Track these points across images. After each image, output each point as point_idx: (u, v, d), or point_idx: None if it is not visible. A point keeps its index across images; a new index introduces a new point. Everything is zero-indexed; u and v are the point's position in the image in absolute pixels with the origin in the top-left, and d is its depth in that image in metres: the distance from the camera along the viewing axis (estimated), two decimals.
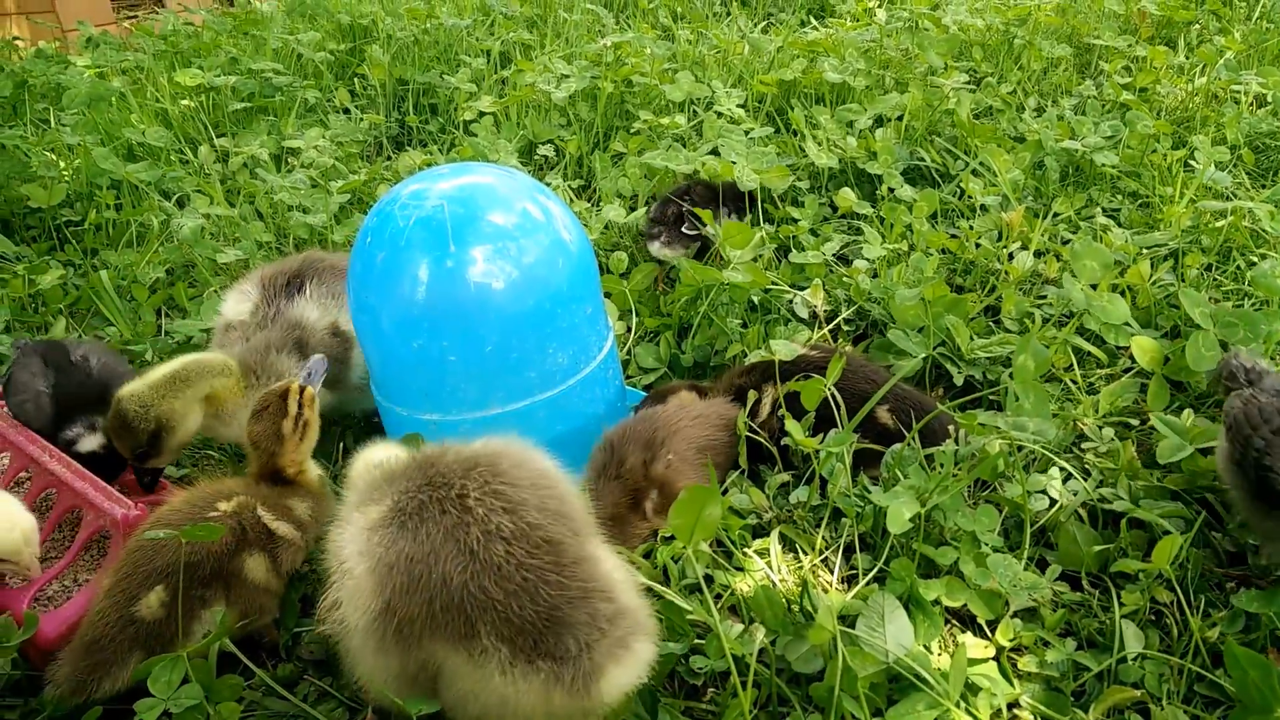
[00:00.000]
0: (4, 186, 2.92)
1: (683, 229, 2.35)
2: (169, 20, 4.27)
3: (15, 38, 5.09)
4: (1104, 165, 2.44)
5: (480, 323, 1.56)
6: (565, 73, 3.39)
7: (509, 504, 1.10)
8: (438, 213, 1.58)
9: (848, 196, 2.55)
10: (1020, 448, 1.56)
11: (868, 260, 2.20)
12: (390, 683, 1.12)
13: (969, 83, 3.21)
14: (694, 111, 3.20)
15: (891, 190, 2.53)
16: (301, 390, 1.49)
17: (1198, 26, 3.65)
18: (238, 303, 1.81)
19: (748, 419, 1.67)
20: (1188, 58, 3.28)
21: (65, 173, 2.97)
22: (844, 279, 2.24)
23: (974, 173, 2.58)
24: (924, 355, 1.87)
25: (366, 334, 1.66)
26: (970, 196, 2.45)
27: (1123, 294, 2.01)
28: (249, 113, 3.35)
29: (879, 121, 3.01)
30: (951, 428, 1.56)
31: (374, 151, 3.46)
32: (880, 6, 4.34)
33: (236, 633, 1.34)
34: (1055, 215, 2.37)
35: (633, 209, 2.61)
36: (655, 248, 2.37)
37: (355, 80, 3.84)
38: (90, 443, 1.66)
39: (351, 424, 2.02)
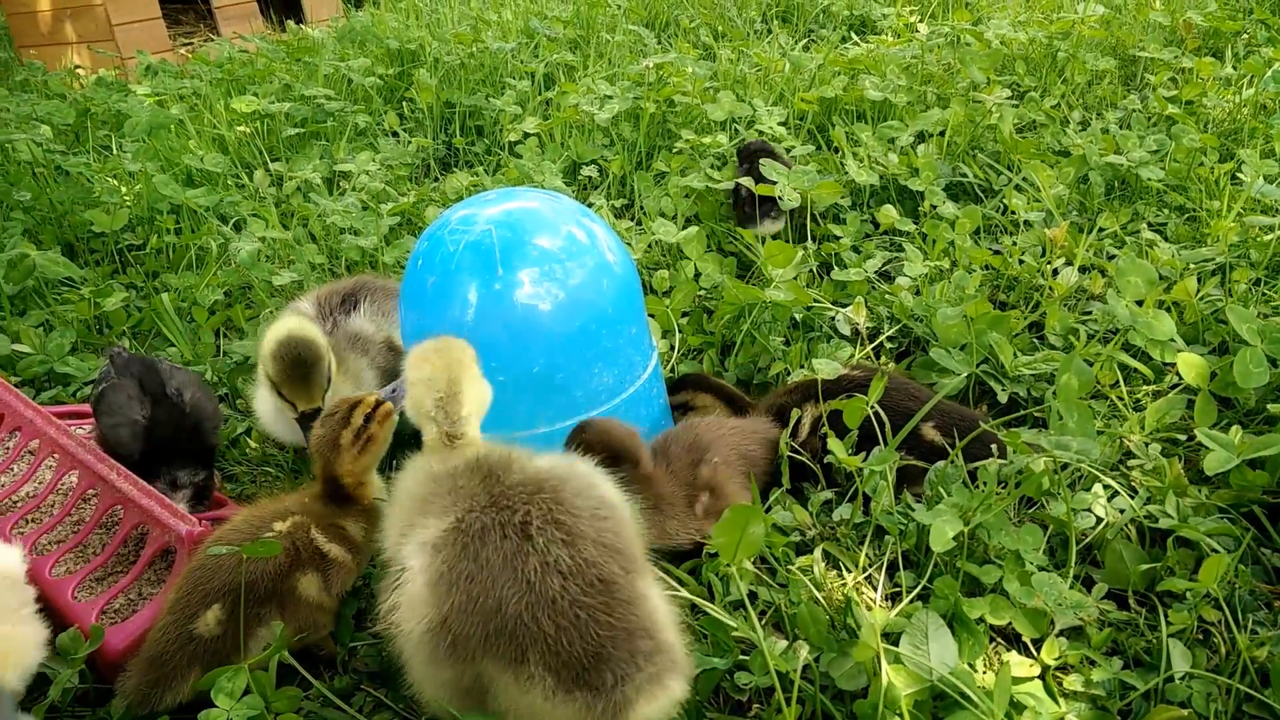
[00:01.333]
0: (69, 212, 3.04)
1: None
2: (224, 48, 4.40)
3: (77, 66, 5.28)
4: (1150, 180, 2.43)
5: (528, 344, 1.61)
6: (608, 93, 3.44)
7: (568, 536, 1.15)
8: (486, 237, 1.63)
9: (890, 213, 2.56)
10: (1065, 465, 1.57)
11: (910, 278, 2.21)
12: (442, 690, 1.17)
13: (1011, 97, 3.20)
14: (736, 130, 3.23)
15: (934, 207, 2.54)
16: (377, 405, 1.50)
17: (1245, 37, 3.61)
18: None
19: (789, 439, 1.69)
20: (1235, 69, 3.25)
21: (127, 198, 3.07)
22: (886, 296, 2.25)
23: (1017, 188, 2.57)
24: (967, 373, 1.87)
25: None
26: (1013, 212, 2.45)
27: (1169, 310, 1.99)
28: (302, 138, 3.45)
29: (921, 137, 3.01)
30: (994, 446, 1.57)
31: (422, 173, 3.54)
32: (922, 21, 4.35)
33: (293, 646, 1.38)
34: (1100, 231, 2.36)
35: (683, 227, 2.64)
36: (768, 226, 2.54)
37: (403, 104, 3.93)
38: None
39: (404, 441, 2.07)
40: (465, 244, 1.64)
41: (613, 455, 1.50)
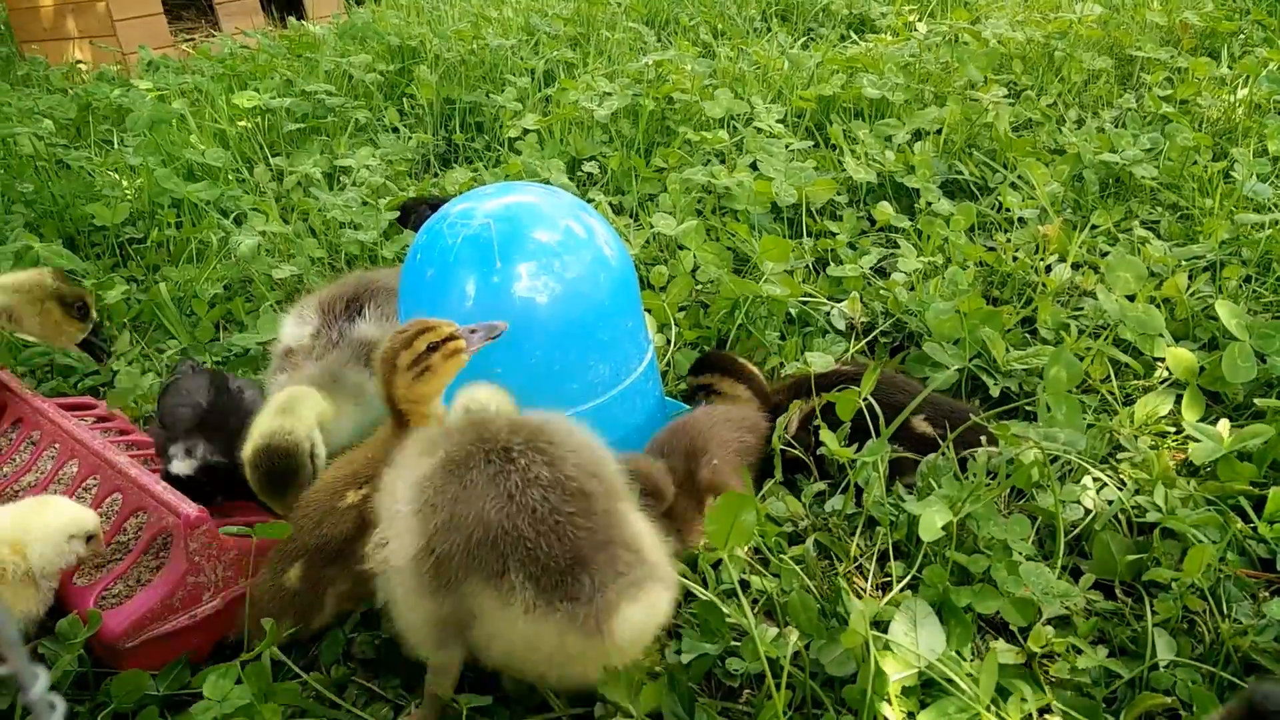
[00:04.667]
0: (70, 205, 3.06)
1: None
2: (225, 43, 4.42)
3: (78, 62, 5.30)
4: (1143, 178, 2.45)
5: (525, 336, 1.62)
6: (607, 90, 3.46)
7: (549, 459, 1.19)
8: (484, 231, 1.65)
9: (886, 210, 2.58)
10: (1056, 458, 1.59)
11: (904, 273, 2.23)
12: (425, 626, 1.20)
13: (1008, 96, 3.22)
14: (734, 127, 3.25)
15: (929, 204, 2.56)
16: (449, 338, 1.43)
17: (1241, 37, 3.63)
18: (296, 327, 1.88)
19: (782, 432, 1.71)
20: (1231, 68, 3.26)
21: (128, 192, 3.09)
22: (881, 291, 2.27)
23: (1012, 186, 2.59)
24: (959, 367, 1.89)
25: None
26: (1008, 209, 2.47)
27: (1160, 306, 2.01)
28: (303, 133, 3.46)
29: (918, 135, 3.03)
30: (984, 438, 1.59)
31: (422, 169, 3.55)
32: (920, 20, 4.36)
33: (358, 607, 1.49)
34: (1093, 228, 2.38)
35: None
36: None
37: (404, 100, 3.95)
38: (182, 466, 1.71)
39: None
40: (464, 237, 1.66)
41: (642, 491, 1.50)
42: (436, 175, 3.51)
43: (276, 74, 3.94)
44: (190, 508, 1.48)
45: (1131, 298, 1.90)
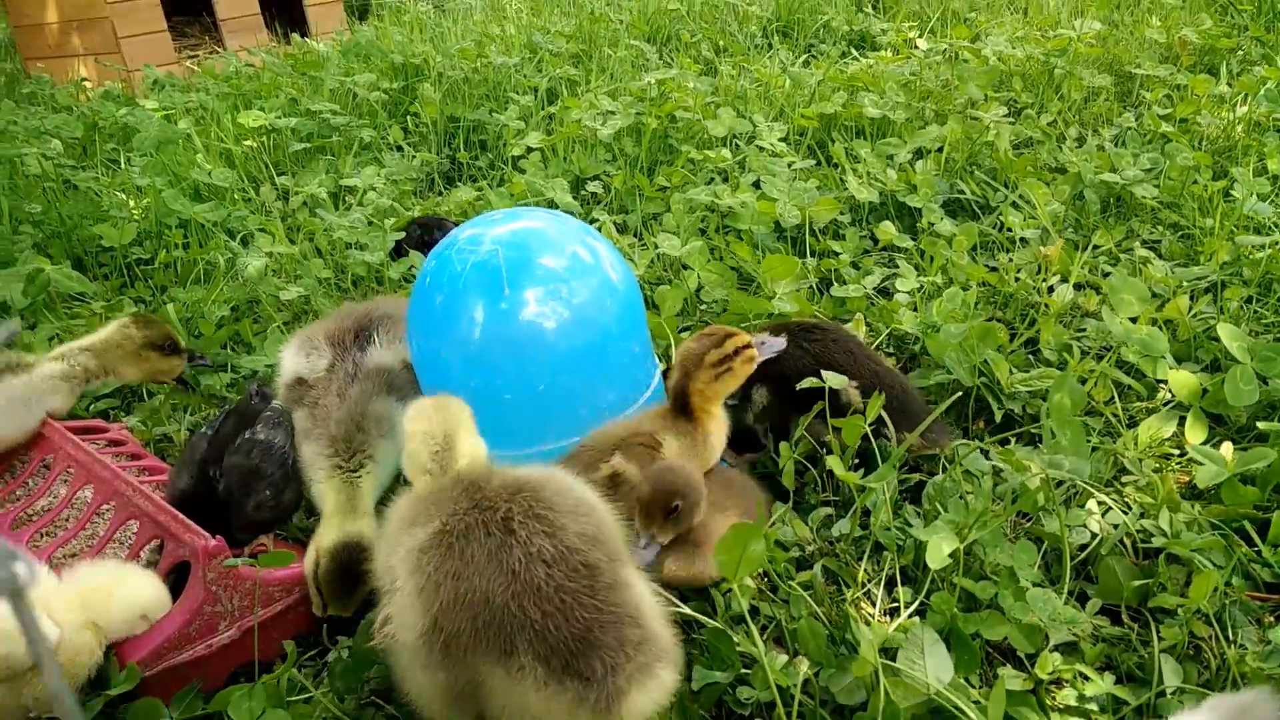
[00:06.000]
0: (78, 226, 3.08)
1: None
2: (230, 62, 4.44)
3: (83, 79, 5.33)
4: (1144, 197, 2.46)
5: (534, 362, 1.64)
6: (610, 109, 3.48)
7: (550, 528, 1.18)
8: (492, 258, 1.67)
9: (888, 230, 2.60)
10: (1060, 483, 1.60)
11: (905, 293, 2.25)
12: (439, 698, 1.20)
13: (1008, 114, 3.24)
14: (736, 145, 3.27)
15: (931, 225, 2.57)
16: (746, 346, 1.64)
17: (1240, 53, 3.65)
18: (309, 359, 1.88)
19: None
20: (1230, 84, 3.29)
21: (135, 212, 3.11)
22: (885, 310, 2.29)
23: (1014, 205, 2.61)
24: (963, 390, 1.91)
25: (426, 373, 1.75)
26: (1010, 229, 2.48)
27: (1162, 328, 2.03)
28: (308, 152, 3.48)
29: (919, 154, 3.05)
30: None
31: (426, 187, 3.58)
32: (921, 37, 4.39)
33: None
34: (1095, 248, 2.40)
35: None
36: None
37: (408, 118, 3.97)
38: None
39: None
40: (472, 264, 1.68)
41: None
42: (441, 194, 3.53)
43: (281, 93, 3.96)
44: (207, 538, 1.50)
45: (1135, 319, 1.91)
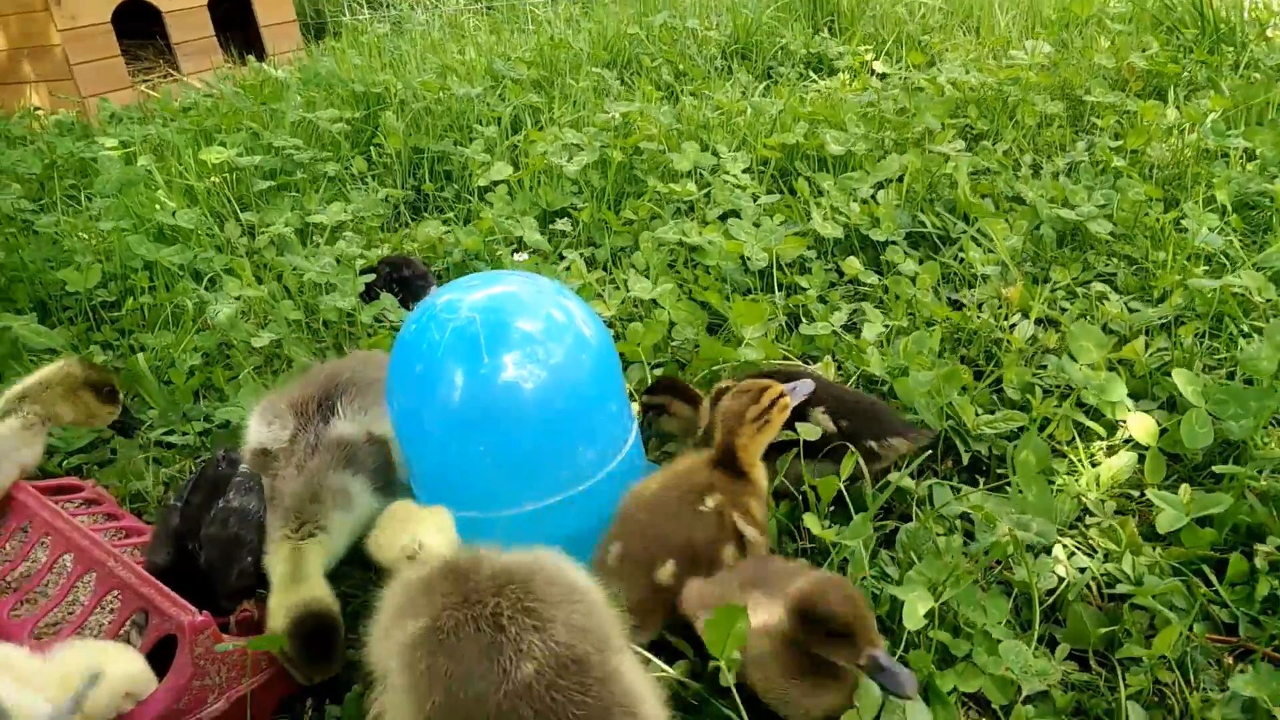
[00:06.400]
0: (41, 271, 3.04)
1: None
2: (187, 92, 4.40)
3: (36, 108, 5.25)
4: (1098, 233, 2.55)
5: (513, 425, 1.67)
6: (574, 141, 3.51)
7: (540, 622, 1.20)
8: (470, 325, 1.69)
9: (854, 265, 2.66)
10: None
11: (871, 338, 2.31)
12: None
13: (965, 144, 3.32)
14: (701, 174, 3.31)
15: (895, 266, 2.63)
16: (780, 396, 1.71)
17: (1186, 75, 3.77)
18: (271, 429, 1.89)
19: None
20: (1179, 109, 3.39)
21: (98, 256, 3.09)
22: (854, 350, 2.34)
23: (973, 239, 2.68)
24: (936, 433, 1.97)
25: (407, 438, 1.77)
26: (971, 265, 2.55)
27: (1118, 368, 2.10)
28: (272, 189, 3.47)
29: (880, 184, 3.12)
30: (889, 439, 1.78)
31: (393, 219, 3.58)
32: (876, 60, 4.47)
33: None
34: (1053, 282, 2.47)
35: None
36: None
37: (371, 149, 3.97)
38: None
39: None
40: (451, 330, 1.70)
41: None
42: (408, 226, 3.54)
43: (243, 126, 3.94)
44: (194, 613, 1.50)
45: (1093, 365, 1.98)
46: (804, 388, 1.81)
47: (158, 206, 3.25)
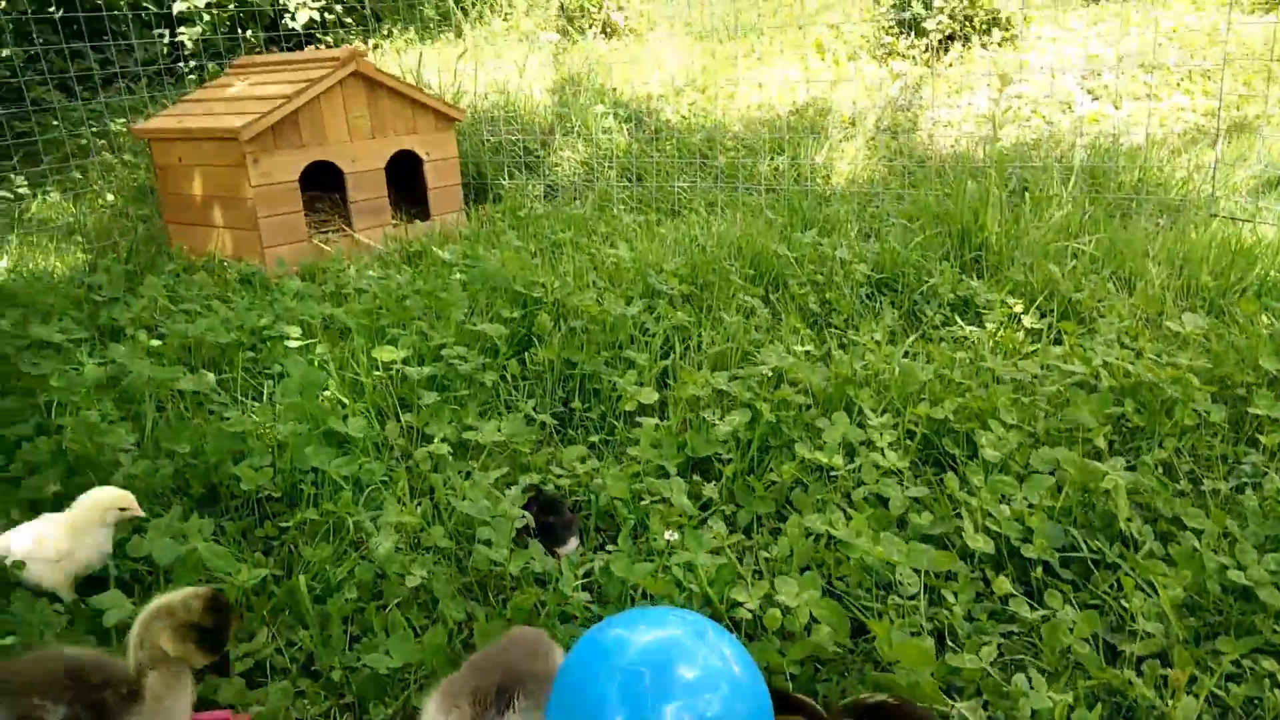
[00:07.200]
0: (221, 463, 3.26)
1: None
2: (369, 283, 4.71)
3: (222, 260, 5.69)
4: (1270, 603, 2.47)
5: None
6: (724, 388, 3.62)
7: None
8: (639, 679, 1.76)
9: (1004, 584, 2.64)
10: None
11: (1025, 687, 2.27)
12: None
13: (1120, 436, 3.29)
14: (850, 447, 3.35)
15: (1054, 613, 2.55)
16: None
17: None
18: (448, 715, 1.99)
19: None
20: None
21: (273, 453, 3.29)
22: (1004, 693, 2.30)
23: (1134, 580, 2.61)
24: None
25: None
26: (1132, 615, 2.50)
27: None
28: (437, 404, 3.66)
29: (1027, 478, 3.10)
30: None
31: (541, 439, 3.72)
32: (1025, 314, 4.49)
33: None
34: (1218, 654, 2.40)
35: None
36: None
37: (525, 354, 4.16)
38: None
39: None
40: (620, 679, 1.77)
41: None
42: (551, 445, 3.68)
43: (412, 325, 4.19)
44: None
45: None
46: None
47: (330, 408, 3.46)
